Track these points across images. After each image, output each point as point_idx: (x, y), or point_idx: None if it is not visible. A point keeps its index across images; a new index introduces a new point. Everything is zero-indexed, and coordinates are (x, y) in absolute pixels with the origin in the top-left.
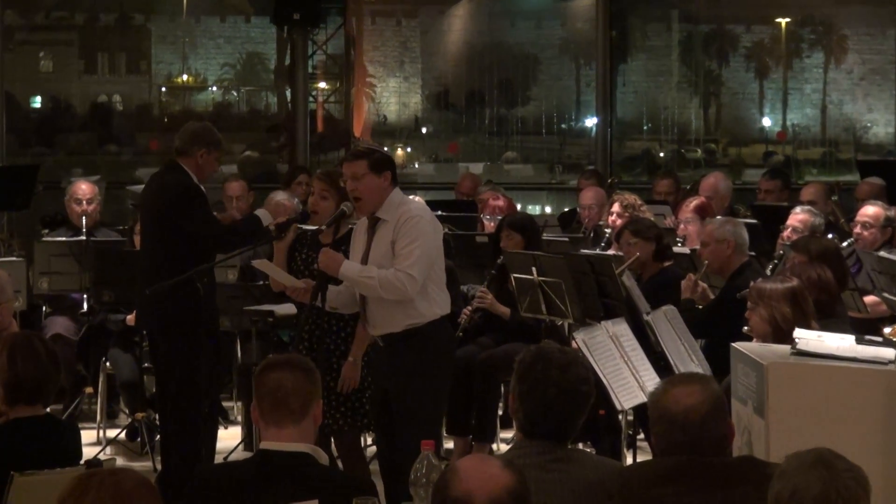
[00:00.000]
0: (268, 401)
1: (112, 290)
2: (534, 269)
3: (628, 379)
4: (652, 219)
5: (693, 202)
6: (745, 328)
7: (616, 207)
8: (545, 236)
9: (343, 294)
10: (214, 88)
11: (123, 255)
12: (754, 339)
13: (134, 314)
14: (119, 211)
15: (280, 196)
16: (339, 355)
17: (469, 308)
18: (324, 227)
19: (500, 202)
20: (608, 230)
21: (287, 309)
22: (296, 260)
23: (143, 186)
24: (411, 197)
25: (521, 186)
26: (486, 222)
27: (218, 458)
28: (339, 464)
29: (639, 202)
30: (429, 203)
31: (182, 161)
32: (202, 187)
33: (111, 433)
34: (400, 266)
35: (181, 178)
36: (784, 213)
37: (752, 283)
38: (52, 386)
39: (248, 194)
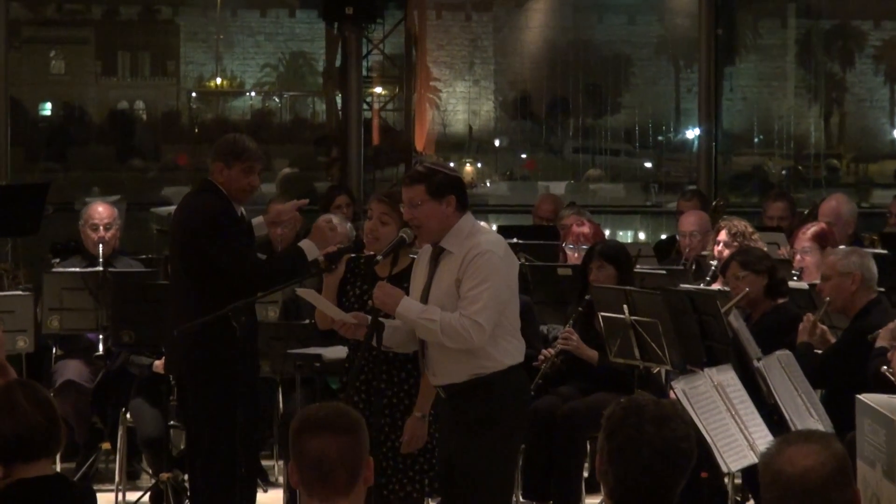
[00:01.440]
0: (310, 474)
1: (133, 329)
2: (625, 306)
3: (735, 436)
4: (764, 248)
5: (811, 229)
6: (885, 368)
7: (723, 235)
8: (638, 268)
9: (400, 331)
10: (253, 94)
11: (147, 289)
12: None
13: (163, 359)
14: (142, 237)
15: (328, 220)
16: (404, 410)
17: (550, 351)
18: (379, 258)
19: (586, 228)
20: (713, 262)
21: (337, 353)
22: (348, 294)
23: (170, 209)
24: (483, 224)
25: (610, 209)
26: (568, 252)
27: None
28: None
29: (749, 229)
30: (502, 230)
31: (214, 178)
32: (241, 210)
33: (132, 497)
34: (466, 311)
35: (211, 200)
36: None
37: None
38: (49, 440)
39: (294, 219)
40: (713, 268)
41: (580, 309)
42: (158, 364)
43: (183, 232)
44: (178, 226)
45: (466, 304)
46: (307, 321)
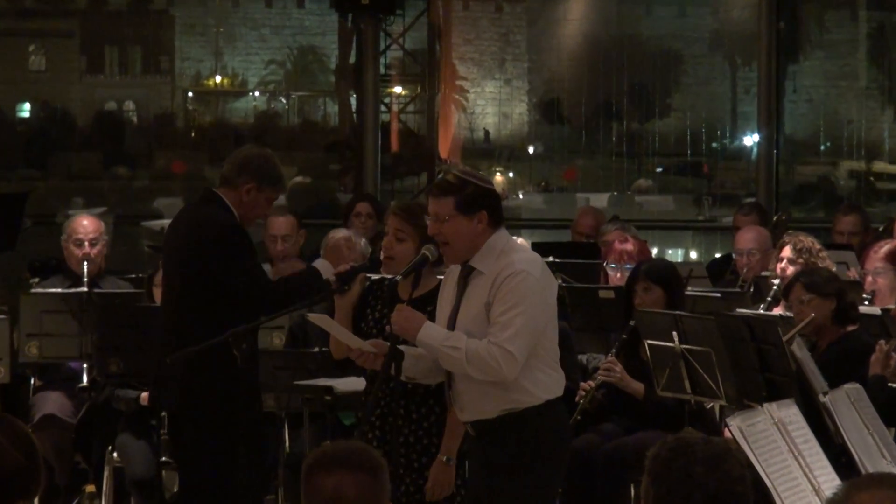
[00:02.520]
0: None
1: (122, 358)
2: (675, 333)
3: (798, 479)
4: (832, 268)
5: (885, 247)
6: None
7: (787, 252)
8: (690, 291)
9: (423, 360)
10: (257, 94)
11: (137, 313)
12: None
13: (150, 390)
14: (131, 254)
15: (341, 235)
16: (421, 450)
17: (590, 384)
18: (399, 278)
19: (630, 245)
20: (775, 282)
21: (350, 384)
22: (367, 319)
23: (163, 222)
24: (517, 240)
25: (658, 224)
26: (611, 272)
27: None
28: None
29: (816, 246)
30: (536, 247)
31: (223, 192)
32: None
33: None
34: (496, 338)
35: (219, 213)
36: None
37: None
38: (28, 481)
39: (298, 233)
40: (774, 289)
41: (624, 336)
42: (145, 396)
43: (187, 247)
44: (182, 240)
45: (497, 331)
46: (317, 349)
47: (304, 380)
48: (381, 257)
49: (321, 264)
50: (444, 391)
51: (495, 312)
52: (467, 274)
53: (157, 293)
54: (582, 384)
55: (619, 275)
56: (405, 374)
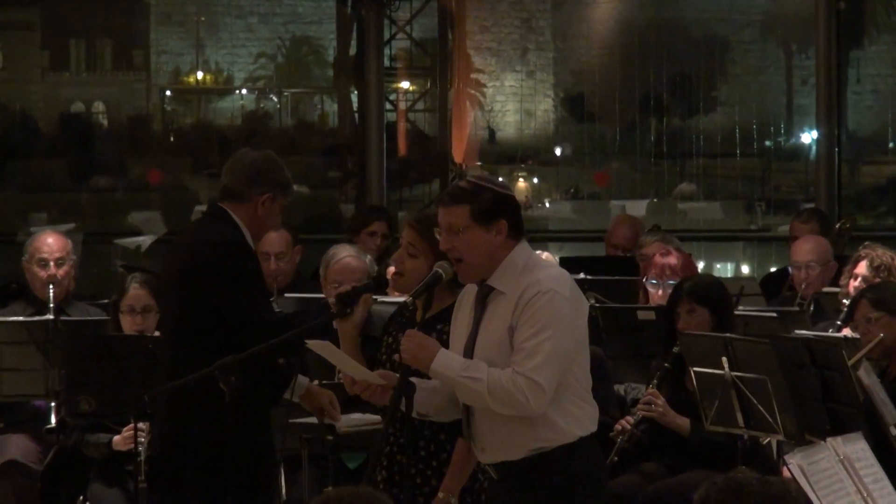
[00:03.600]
0: None
1: (93, 395)
2: (725, 359)
3: None
4: None
5: None
6: None
7: (862, 268)
8: (741, 310)
9: (438, 394)
10: (244, 92)
11: (110, 343)
12: None
13: (123, 432)
14: (103, 277)
15: (345, 253)
16: (429, 492)
17: (628, 419)
18: (408, 299)
19: (673, 259)
20: (846, 300)
21: (355, 422)
22: (382, 347)
23: (139, 240)
24: (542, 254)
25: (704, 235)
26: (651, 289)
27: None
28: None
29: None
30: (565, 262)
31: (230, 207)
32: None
33: None
34: (521, 367)
35: (227, 231)
36: None
37: None
38: None
39: (293, 250)
40: (844, 309)
41: (666, 364)
42: (119, 440)
43: (185, 269)
44: (180, 262)
45: (522, 359)
46: (316, 382)
47: (302, 417)
48: (389, 273)
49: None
50: (463, 429)
51: (520, 337)
52: (486, 295)
53: (126, 321)
54: (620, 421)
55: (660, 292)
56: (417, 409)
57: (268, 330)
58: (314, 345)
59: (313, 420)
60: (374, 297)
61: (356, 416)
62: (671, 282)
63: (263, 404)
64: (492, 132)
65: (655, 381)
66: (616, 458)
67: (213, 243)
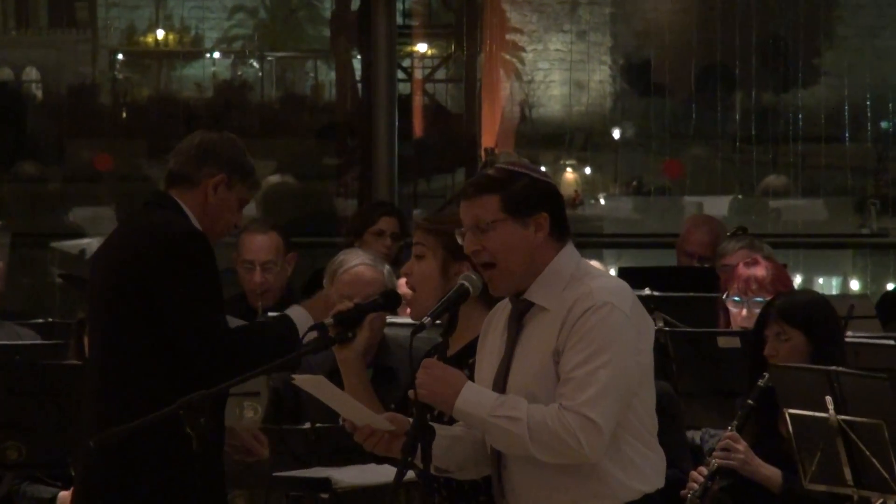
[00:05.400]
0: None
1: (25, 440)
2: (829, 399)
3: None
4: None
5: None
6: None
7: None
8: (850, 336)
9: (462, 443)
10: (217, 55)
11: (47, 375)
12: None
13: (72, 489)
14: (36, 289)
15: (356, 261)
16: None
17: (702, 470)
18: (426, 321)
19: (761, 270)
20: None
21: (357, 476)
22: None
23: (82, 242)
24: (595, 264)
25: (802, 241)
26: (734, 308)
27: None
28: None
29: None
30: (625, 273)
31: (177, 194)
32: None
33: None
34: (571, 402)
35: (175, 219)
36: None
37: None
38: None
39: (284, 259)
40: None
41: (750, 402)
42: (65, 496)
43: (123, 268)
44: (116, 260)
45: (571, 391)
46: (307, 425)
47: (290, 469)
48: (401, 287)
49: (297, 313)
50: (493, 484)
51: (568, 364)
52: (522, 312)
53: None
54: (693, 473)
55: (744, 312)
56: (435, 463)
57: (224, 351)
58: (302, 381)
59: (305, 473)
60: (392, 317)
61: (356, 469)
62: (758, 299)
63: (217, 451)
64: (531, 109)
65: (736, 421)
66: None
67: (157, 232)
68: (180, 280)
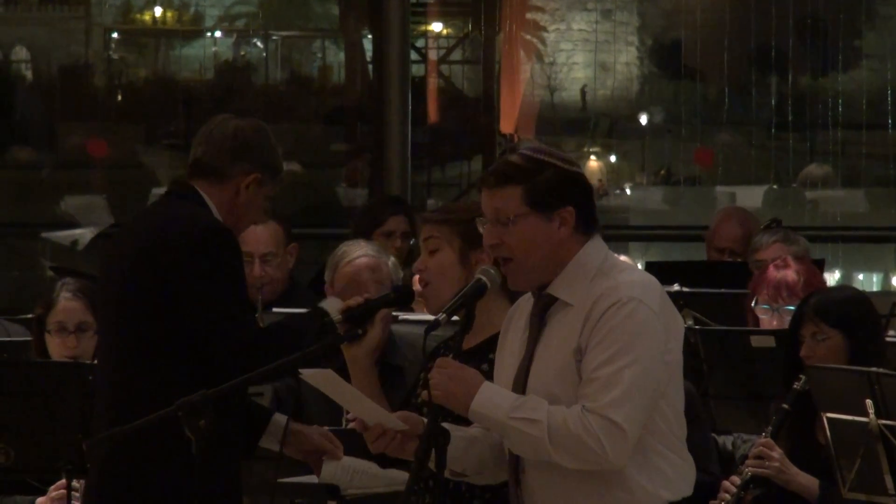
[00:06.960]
0: None
1: (14, 443)
2: (869, 402)
3: None
4: None
5: None
6: None
7: None
8: (891, 336)
9: (479, 445)
10: (218, 35)
11: (35, 373)
12: None
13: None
14: (27, 284)
15: (359, 252)
16: None
17: (734, 479)
18: (441, 317)
19: (791, 274)
20: None
21: (364, 481)
22: (415, 389)
23: (75, 233)
24: (623, 259)
25: (842, 234)
26: (763, 317)
27: None
28: None
29: None
30: (653, 268)
31: (203, 186)
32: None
33: None
34: (594, 403)
35: (200, 213)
36: None
37: None
38: None
39: (285, 250)
40: None
41: (786, 406)
42: (44, 502)
43: (141, 263)
44: (133, 255)
45: (595, 391)
46: (316, 426)
47: (296, 476)
48: (415, 284)
49: (331, 303)
50: (511, 490)
51: (592, 363)
52: (545, 308)
53: (54, 343)
54: (724, 482)
55: (775, 322)
56: (451, 467)
57: (255, 352)
58: (310, 375)
59: (310, 478)
60: (399, 314)
61: (362, 467)
62: (789, 307)
63: (233, 457)
64: (553, 93)
65: (771, 427)
66: None
67: (182, 226)
68: (208, 278)
